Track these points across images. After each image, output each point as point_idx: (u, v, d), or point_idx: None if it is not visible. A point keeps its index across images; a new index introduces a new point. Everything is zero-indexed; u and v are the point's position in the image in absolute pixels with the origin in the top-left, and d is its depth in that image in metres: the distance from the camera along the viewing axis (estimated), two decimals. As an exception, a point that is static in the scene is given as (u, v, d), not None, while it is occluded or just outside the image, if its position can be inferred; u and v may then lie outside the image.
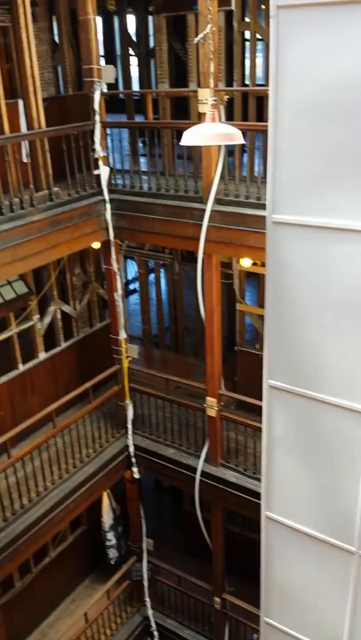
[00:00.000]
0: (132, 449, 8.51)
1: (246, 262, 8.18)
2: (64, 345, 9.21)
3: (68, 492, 7.60)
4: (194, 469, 7.78)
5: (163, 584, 9.35)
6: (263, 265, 4.45)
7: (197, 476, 7.73)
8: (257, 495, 5.57)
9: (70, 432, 7.81)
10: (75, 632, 8.45)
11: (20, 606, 8.71)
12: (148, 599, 9.36)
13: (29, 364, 8.62)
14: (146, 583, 9.29)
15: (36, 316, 8.62)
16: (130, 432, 8.48)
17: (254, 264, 8.17)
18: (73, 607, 9.59)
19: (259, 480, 6.05)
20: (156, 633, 9.41)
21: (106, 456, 8.24)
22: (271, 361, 4.62)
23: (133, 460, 8.58)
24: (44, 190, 6.81)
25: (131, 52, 10.72)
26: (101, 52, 10.37)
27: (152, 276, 11.84)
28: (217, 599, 8.45)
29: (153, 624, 9.38)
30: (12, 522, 7.01)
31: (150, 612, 9.38)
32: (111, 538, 9.48)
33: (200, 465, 7.72)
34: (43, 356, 8.82)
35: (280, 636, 5.33)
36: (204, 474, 7.73)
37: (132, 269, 13.97)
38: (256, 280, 8.83)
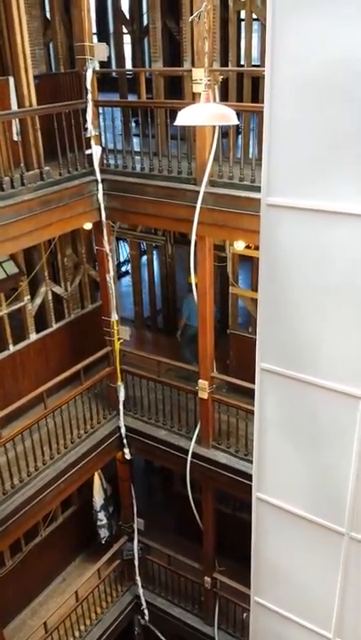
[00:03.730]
0: (123, 430, 8.54)
1: (240, 245, 8.16)
2: (55, 326, 9.18)
3: (59, 472, 7.63)
4: (185, 451, 7.83)
5: (153, 563, 9.45)
6: (257, 248, 4.43)
7: (189, 458, 7.78)
8: (248, 476, 5.61)
9: (62, 413, 7.82)
10: (65, 610, 8.54)
11: (10, 585, 8.78)
12: (138, 578, 9.47)
13: (20, 345, 8.59)
14: (137, 562, 9.38)
15: (27, 297, 8.57)
16: (121, 413, 8.50)
17: (248, 247, 8.15)
18: (64, 586, 9.68)
19: (250, 462, 6.09)
20: (146, 611, 9.53)
21: (97, 437, 8.27)
22: (264, 344, 4.61)
23: (125, 441, 8.61)
24: (34, 169, 6.73)
25: (124, 29, 10.55)
26: (94, 29, 10.20)
27: (144, 258, 11.79)
28: (207, 578, 8.56)
29: (143, 602, 9.50)
30: (3, 501, 7.04)
31: (141, 591, 9.49)
32: (102, 518, 9.54)
33: (191, 446, 7.76)
34: (34, 336, 8.78)
35: (270, 616, 5.40)
36: (195, 455, 7.78)
37: (125, 251, 13.90)
38: (250, 263, 8.81)
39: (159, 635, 9.55)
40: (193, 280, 6.93)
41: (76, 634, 8.80)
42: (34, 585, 9.50)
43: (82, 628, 8.89)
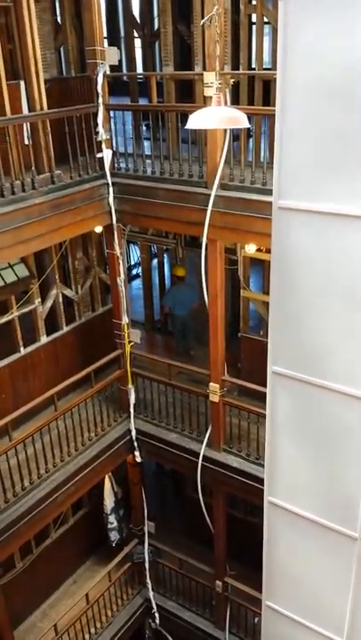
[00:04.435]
0: (134, 433, 8.54)
1: (251, 248, 8.14)
2: (66, 329, 9.20)
3: (69, 474, 7.65)
4: (196, 454, 7.82)
5: (164, 566, 9.43)
6: (268, 251, 4.42)
7: (200, 461, 7.77)
8: (259, 480, 5.60)
9: (72, 415, 7.84)
10: (76, 612, 8.55)
11: (21, 587, 8.80)
12: (149, 581, 9.45)
13: (31, 348, 8.62)
14: (147, 565, 9.37)
15: (38, 300, 8.60)
16: (132, 416, 8.50)
17: (259, 250, 8.13)
18: (74, 588, 9.68)
19: (261, 465, 6.08)
20: (157, 615, 9.51)
21: (108, 440, 8.28)
22: (276, 347, 4.60)
23: (135, 443, 8.61)
24: (45, 173, 6.76)
25: (135, 33, 10.58)
26: (105, 33, 10.22)
27: (155, 261, 11.80)
28: (218, 582, 8.53)
29: (154, 606, 9.48)
30: (14, 503, 7.07)
31: (151, 594, 9.47)
32: (112, 520, 9.55)
33: (202, 450, 7.75)
34: (44, 339, 8.81)
35: (282, 620, 5.38)
36: (206, 458, 7.76)
37: (135, 254, 13.91)
38: (261, 266, 8.79)
39: (170, 638, 9.52)
40: (204, 283, 6.91)
41: (87, 637, 8.80)
42: (44, 587, 9.53)
43: (92, 630, 8.88)
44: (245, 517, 9.66)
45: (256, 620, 7.99)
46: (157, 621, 9.56)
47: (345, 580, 4.68)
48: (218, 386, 7.38)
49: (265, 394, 4.84)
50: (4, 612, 7.25)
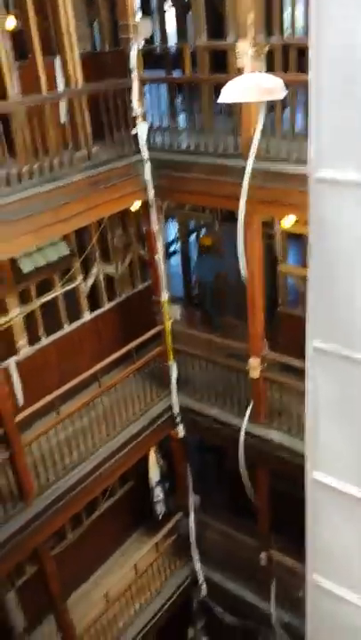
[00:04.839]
0: (176, 408, 8.61)
1: (288, 222, 7.98)
2: (107, 306, 9.28)
3: (115, 448, 7.80)
4: (238, 429, 7.83)
5: (209, 539, 9.55)
6: (306, 224, 4.32)
7: (242, 436, 7.78)
8: (301, 455, 5.56)
9: (116, 391, 7.94)
10: (125, 582, 8.78)
11: (72, 557, 9.07)
12: (194, 553, 9.59)
13: (75, 325, 8.75)
14: (193, 538, 9.51)
15: (80, 277, 8.68)
16: (174, 392, 8.55)
17: (297, 222, 7.97)
18: (123, 559, 9.91)
19: (303, 440, 6.04)
20: (203, 586, 9.67)
21: (151, 415, 8.38)
22: (314, 322, 4.53)
23: (178, 419, 8.68)
24: (82, 150, 6.76)
25: (167, 4, 10.37)
26: (137, 5, 10.03)
27: (192, 237, 11.73)
28: (263, 555, 8.60)
29: (201, 577, 9.64)
30: (64, 476, 7.26)
31: (198, 566, 9.63)
32: (158, 493, 9.69)
33: (244, 425, 7.75)
34: (87, 316, 8.92)
35: (326, 594, 5.39)
36: (248, 433, 7.77)
37: (173, 230, 13.84)
38: (299, 240, 8.62)
39: (217, 609, 9.68)
40: (241, 257, 6.82)
41: (137, 606, 9.04)
42: (94, 557, 9.79)
43: (142, 600, 9.12)
44: (289, 491, 9.64)
45: (301, 592, 8.03)
46: (204, 592, 9.73)
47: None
48: (258, 361, 7.34)
49: (304, 369, 4.79)
50: (56, 582, 7.49)
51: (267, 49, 6.03)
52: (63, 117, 6.83)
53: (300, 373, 5.99)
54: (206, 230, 11.02)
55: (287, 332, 8.70)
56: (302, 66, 6.82)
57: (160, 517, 9.76)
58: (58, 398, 7.16)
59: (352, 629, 5.35)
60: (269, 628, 8.82)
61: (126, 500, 10.09)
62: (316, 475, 5.00)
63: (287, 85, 5.17)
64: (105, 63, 8.25)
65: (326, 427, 4.81)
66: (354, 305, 4.25)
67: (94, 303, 9.13)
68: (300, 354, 4.98)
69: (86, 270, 8.89)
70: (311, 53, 3.79)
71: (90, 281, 8.91)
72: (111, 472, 7.88)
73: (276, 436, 7.59)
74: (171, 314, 8.25)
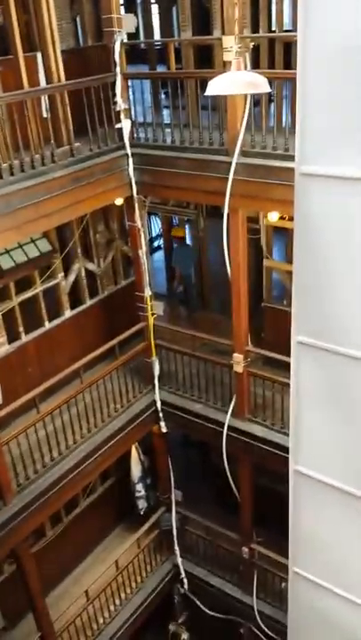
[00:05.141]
0: (159, 404, 8.61)
1: (273, 217, 8.04)
2: (89, 302, 9.26)
3: (96, 445, 7.76)
4: (221, 424, 7.86)
5: (191, 534, 9.58)
6: (291, 219, 4.36)
7: (225, 431, 7.81)
8: (285, 449, 5.61)
9: (98, 388, 7.92)
10: (106, 579, 8.76)
11: (52, 554, 9.02)
12: (177, 548, 9.62)
13: (56, 322, 8.70)
14: (175, 532, 9.53)
15: (61, 274, 8.64)
16: (157, 388, 8.55)
17: (282, 218, 8.03)
18: (104, 556, 9.89)
19: (286, 434, 6.09)
20: (185, 580, 9.70)
21: (133, 411, 8.37)
22: (299, 317, 4.58)
23: (161, 414, 8.69)
24: (65, 146, 6.72)
25: (151, -1, 10.37)
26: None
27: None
28: (245, 549, 8.65)
29: (182, 572, 9.67)
30: (43, 474, 7.21)
31: (180, 561, 9.66)
32: (140, 489, 9.70)
33: (227, 419, 7.79)
34: (68, 313, 8.88)
35: (308, 586, 5.45)
36: (231, 428, 7.81)
37: (157, 226, 13.84)
38: (284, 235, 8.68)
39: (199, 603, 9.72)
40: (226, 253, 6.85)
41: (117, 602, 9.04)
42: (74, 555, 9.76)
43: (122, 596, 9.12)
44: (272, 485, 9.72)
45: (283, 585, 8.10)
46: (186, 587, 9.76)
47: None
48: (242, 356, 7.37)
49: (289, 363, 4.84)
50: (36, 580, 7.45)
51: (252, 44, 6.03)
52: (45, 113, 6.78)
53: (283, 368, 6.05)
54: (190, 226, 11.07)
55: (272, 327, 8.76)
56: (289, 60, 6.88)
57: (142, 513, 9.77)
58: (38, 396, 7.11)
59: (333, 620, 5.42)
60: (251, 621, 8.88)
61: (108, 497, 10.08)
62: (300, 467, 5.05)
63: (273, 80, 5.20)
64: (89, 58, 8.21)
65: (310, 420, 4.86)
66: (338, 299, 4.30)
67: (76, 300, 9.09)
68: (285, 348, 5.02)
69: (68, 267, 8.85)
70: (298, 51, 3.82)
71: (71, 277, 8.88)
72: (92, 469, 7.85)
73: (259, 430, 7.63)
74: (154, 310, 8.24)
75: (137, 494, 9.71)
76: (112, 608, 8.97)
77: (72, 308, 8.96)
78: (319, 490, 4.97)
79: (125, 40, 6.94)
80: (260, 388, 7.79)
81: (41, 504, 7.10)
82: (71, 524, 9.35)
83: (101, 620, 8.79)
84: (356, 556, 4.91)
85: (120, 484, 10.03)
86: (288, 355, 4.84)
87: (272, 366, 7.57)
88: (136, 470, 9.57)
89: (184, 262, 10.54)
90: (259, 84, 4.54)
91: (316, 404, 4.75)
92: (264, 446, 7.55)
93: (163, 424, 8.78)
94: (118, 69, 6.97)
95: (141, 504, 9.77)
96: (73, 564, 9.77)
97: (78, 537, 9.59)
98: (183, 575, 9.69)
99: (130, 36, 7.12)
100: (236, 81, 4.58)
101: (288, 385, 4.99)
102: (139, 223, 7.74)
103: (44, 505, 7.18)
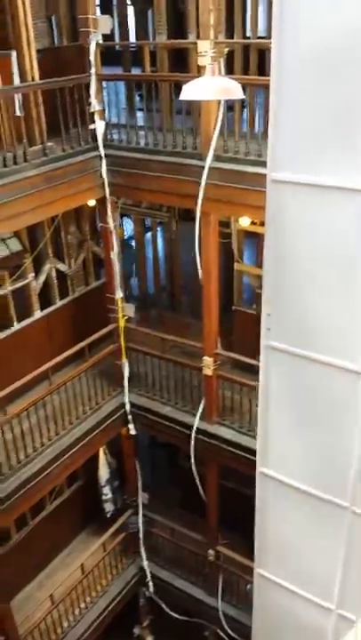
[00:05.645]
0: (128, 406, 8.59)
1: (245, 221, 8.10)
2: (59, 303, 9.19)
3: (64, 447, 7.70)
4: (190, 426, 7.89)
5: (158, 536, 9.57)
6: (262, 224, 4.41)
7: (193, 433, 7.84)
8: (252, 452, 5.66)
9: (67, 390, 7.87)
10: (71, 582, 8.70)
11: (17, 558, 8.91)
12: (143, 551, 9.60)
13: (24, 323, 8.61)
14: (141, 535, 9.51)
15: (31, 275, 8.56)
16: (126, 390, 8.54)
17: (253, 223, 8.10)
18: (69, 559, 9.81)
19: (254, 437, 6.13)
20: (150, 583, 9.68)
21: (102, 413, 8.33)
22: (269, 321, 4.62)
23: (130, 417, 8.67)
24: (37, 145, 6.68)
25: (128, 1, 10.36)
26: (97, 0, 9.96)
27: (149, 235, 11.72)
28: (211, 551, 8.68)
29: (148, 575, 9.65)
30: (9, 476, 7.11)
31: (145, 563, 9.63)
32: (107, 492, 9.65)
33: (196, 422, 7.81)
34: (38, 314, 8.80)
35: (273, 587, 5.50)
36: (199, 431, 7.84)
37: (129, 228, 13.80)
38: (255, 240, 8.76)
39: (164, 606, 9.71)
40: (198, 256, 6.88)
41: (82, 605, 8.97)
42: (40, 558, 9.65)
43: (87, 599, 9.05)
44: (238, 488, 9.78)
45: (248, 587, 8.14)
46: (151, 590, 9.74)
47: (335, 547, 4.77)
48: (211, 359, 7.41)
49: (258, 367, 4.88)
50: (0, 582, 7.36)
51: (227, 50, 6.09)
52: (18, 111, 6.74)
53: (253, 371, 6.10)
54: (163, 229, 11.09)
55: (241, 331, 8.82)
56: (262, 66, 6.96)
57: (109, 516, 9.72)
58: (5, 398, 7.03)
59: (297, 623, 5.48)
60: (216, 624, 8.90)
61: (75, 499, 10.00)
62: (266, 470, 5.10)
63: (247, 86, 5.25)
64: (64, 58, 8.17)
65: (277, 423, 4.91)
66: (307, 304, 4.36)
67: (46, 301, 9.01)
68: (254, 352, 5.07)
69: (38, 267, 8.78)
70: (273, 58, 3.88)
71: (41, 278, 8.80)
72: (60, 472, 7.78)
73: (227, 433, 7.67)
74: (125, 311, 8.23)
75: (104, 497, 9.65)
76: (77, 612, 8.89)
77: (42, 308, 8.88)
78: (285, 492, 5.02)
79: (101, 41, 6.93)
80: (229, 391, 7.84)
81: (7, 507, 7.01)
82: (37, 528, 9.24)
83: (66, 624, 8.71)
84: (321, 558, 4.97)
85: (87, 486, 9.97)
86: (257, 358, 4.88)
87: (241, 369, 7.63)
88: (104, 473, 9.52)
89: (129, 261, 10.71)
90: (233, 89, 4.59)
91: (283, 408, 4.81)
92: (232, 449, 7.60)
93: (132, 426, 8.76)
94: (93, 70, 6.96)
95: (108, 507, 9.72)
96: (38, 568, 9.65)
97: (44, 541, 9.49)
98: (149, 578, 9.67)
99: (105, 37, 7.10)
100: (211, 86, 4.62)
101: (257, 388, 5.04)
102: (111, 225, 7.73)
103: (11, 508, 7.08)
